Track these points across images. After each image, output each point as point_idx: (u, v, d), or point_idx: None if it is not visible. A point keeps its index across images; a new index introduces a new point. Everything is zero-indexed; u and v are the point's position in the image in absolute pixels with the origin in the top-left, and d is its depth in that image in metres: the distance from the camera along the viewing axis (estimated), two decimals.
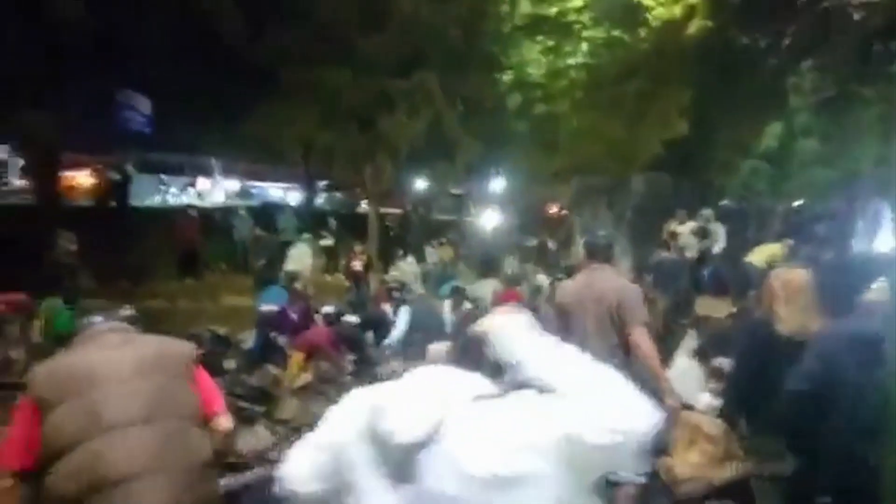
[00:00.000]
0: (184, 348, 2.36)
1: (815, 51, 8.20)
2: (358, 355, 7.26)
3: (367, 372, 7.22)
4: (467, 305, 6.99)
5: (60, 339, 5.91)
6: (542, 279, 9.54)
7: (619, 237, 11.64)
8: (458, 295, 6.00)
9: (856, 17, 6.97)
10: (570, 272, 6.97)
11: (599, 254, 3.59)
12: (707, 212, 8.42)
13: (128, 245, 11.10)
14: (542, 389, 1.35)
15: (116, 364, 2.07)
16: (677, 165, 13.43)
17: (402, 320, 6.39)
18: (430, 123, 12.10)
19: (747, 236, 12.41)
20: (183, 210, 13.95)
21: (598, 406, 1.26)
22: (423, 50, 12.38)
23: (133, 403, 2.01)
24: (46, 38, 8.99)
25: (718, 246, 8.58)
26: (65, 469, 1.88)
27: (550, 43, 14.20)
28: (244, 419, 4.93)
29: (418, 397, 1.37)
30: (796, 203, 18.87)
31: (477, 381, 1.44)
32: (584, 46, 14.04)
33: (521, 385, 1.38)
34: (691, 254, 8.54)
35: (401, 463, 1.32)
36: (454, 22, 11.95)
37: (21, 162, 16.11)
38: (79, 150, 14.67)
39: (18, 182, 16.84)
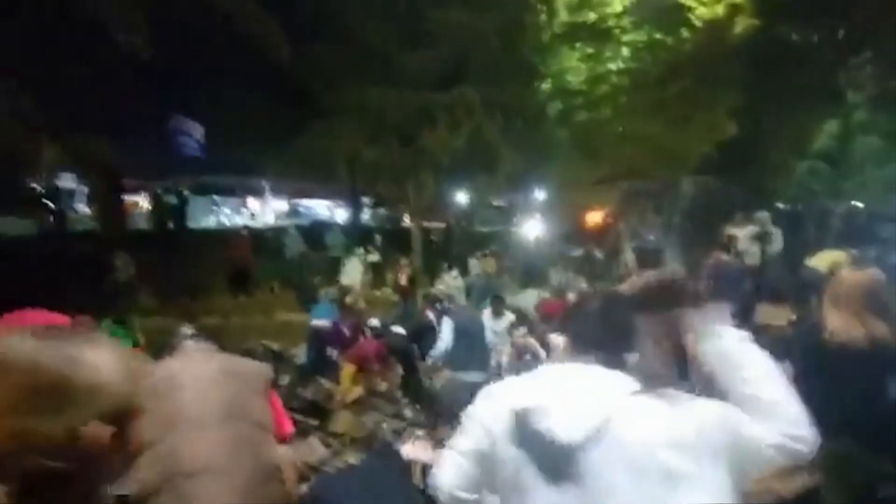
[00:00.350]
0: (262, 368, 2.59)
1: (872, 42, 7.80)
2: (407, 366, 7.31)
3: (415, 383, 7.26)
4: (510, 316, 6.90)
5: None
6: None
7: (668, 243, 11.35)
8: (499, 304, 5.97)
9: None
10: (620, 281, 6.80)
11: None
12: (763, 214, 8.05)
13: (184, 265, 11.57)
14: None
15: (200, 371, 2.32)
16: (728, 167, 13.01)
17: (445, 331, 6.39)
18: (471, 136, 12.16)
19: (806, 239, 11.84)
20: (236, 231, 14.49)
21: (780, 412, 1.33)
22: (462, 63, 12.52)
23: (211, 405, 2.22)
24: (106, 66, 9.49)
25: (775, 250, 8.20)
26: (147, 459, 2.05)
27: (590, 49, 14.10)
28: (299, 432, 5.02)
29: (578, 395, 1.35)
30: (855, 203, 17.97)
31: (622, 378, 1.40)
32: (625, 51, 13.87)
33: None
34: (751, 259, 8.18)
35: (561, 461, 1.30)
36: (493, 34, 12.03)
37: (86, 189, 17.12)
38: (137, 176, 15.46)
39: (84, 208, 17.89)
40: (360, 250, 12.77)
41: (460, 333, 6.13)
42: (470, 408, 1.52)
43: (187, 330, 2.69)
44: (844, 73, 9.23)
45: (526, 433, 1.34)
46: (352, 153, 12.92)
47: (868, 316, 2.64)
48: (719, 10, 13.46)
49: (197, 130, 21.10)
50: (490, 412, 1.45)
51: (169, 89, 12.73)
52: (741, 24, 13.27)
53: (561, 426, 1.30)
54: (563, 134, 14.88)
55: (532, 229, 18.35)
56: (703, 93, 12.34)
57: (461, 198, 19.96)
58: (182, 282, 11.25)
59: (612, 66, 13.50)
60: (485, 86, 12.52)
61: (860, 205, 17.94)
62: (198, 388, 2.22)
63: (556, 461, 1.31)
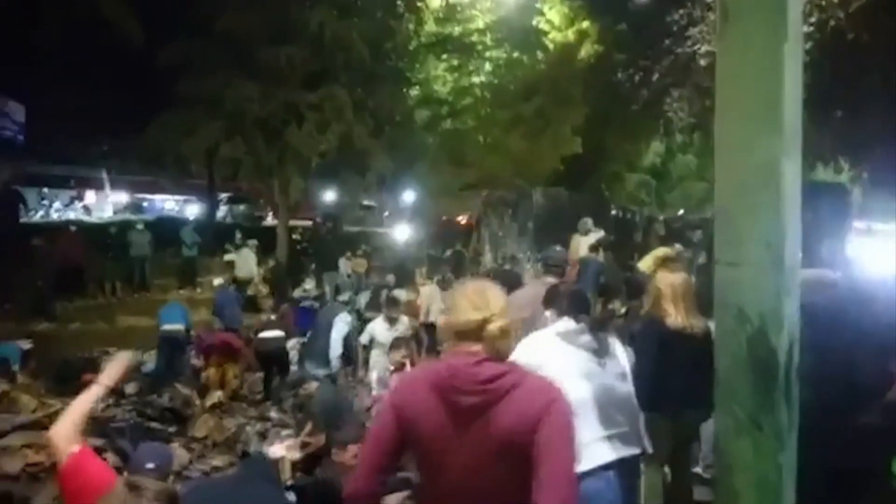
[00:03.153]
0: None
1: (680, 84, 9.46)
2: (279, 368, 7.24)
3: (284, 385, 7.21)
4: (405, 321, 6.63)
5: None
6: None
7: (524, 248, 12.38)
8: (393, 310, 5.85)
9: (702, 63, 8.18)
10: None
11: (554, 268, 4.01)
12: (588, 220, 9.17)
13: (10, 264, 10.17)
14: None
15: None
16: (574, 179, 14.50)
17: (338, 330, 6.19)
18: (341, 137, 12.18)
19: (635, 242, 13.57)
20: (64, 226, 12.96)
21: None
22: (330, 64, 12.47)
23: None
24: None
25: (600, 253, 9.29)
26: None
27: (455, 61, 14.91)
28: (158, 440, 4.82)
29: None
30: (679, 212, 20.93)
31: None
32: (487, 66, 14.90)
33: None
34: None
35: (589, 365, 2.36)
36: (359, 37, 12.12)
37: None
38: None
39: None
40: (255, 242, 12.11)
41: (316, 328, 6.24)
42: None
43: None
44: (662, 104, 10.85)
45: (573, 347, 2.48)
46: (209, 147, 12.24)
47: (690, 309, 3.27)
48: (570, 35, 14.98)
49: (17, 112, 18.50)
50: (538, 344, 2.46)
51: None
52: (586, 50, 14.90)
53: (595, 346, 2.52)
54: (431, 140, 15.50)
55: (401, 231, 18.72)
56: (554, 110, 13.65)
57: (329, 196, 19.75)
58: (6, 283, 9.89)
59: (476, 80, 14.42)
60: (354, 88, 12.61)
61: (680, 212, 20.90)
62: None
63: (587, 366, 2.48)
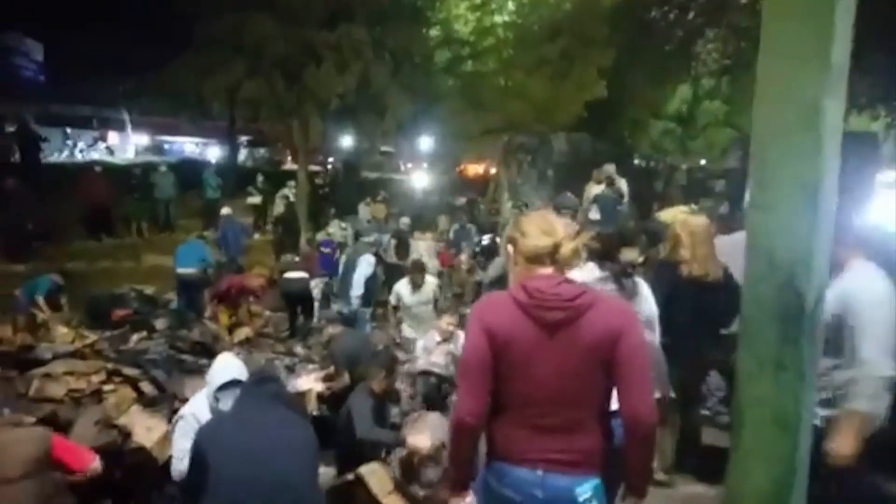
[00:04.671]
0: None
1: (715, 23, 9.02)
2: (304, 308, 7.47)
3: (306, 324, 7.44)
4: (432, 282, 6.68)
5: None
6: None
7: (542, 196, 12.25)
8: (417, 274, 5.91)
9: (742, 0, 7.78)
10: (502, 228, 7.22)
11: (566, 211, 3.97)
12: (610, 167, 8.95)
13: (36, 203, 10.40)
14: None
15: None
16: (596, 125, 14.13)
17: (361, 271, 6.32)
18: (359, 78, 11.95)
19: (655, 191, 13.37)
20: (89, 167, 13.12)
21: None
22: (349, 2, 12.10)
23: None
24: None
25: (624, 201, 9.14)
26: None
27: (477, 0, 14.34)
28: (188, 371, 5.06)
29: None
30: (701, 162, 20.44)
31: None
32: (511, 5, 14.30)
33: None
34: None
35: None
36: None
37: None
38: None
39: None
40: (287, 190, 12.53)
41: (345, 268, 6.40)
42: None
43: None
44: (695, 45, 10.41)
45: None
46: (230, 87, 12.12)
47: (710, 255, 3.26)
48: None
49: (36, 50, 18.38)
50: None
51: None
52: None
53: None
54: (451, 83, 15.13)
55: (419, 177, 18.62)
56: (578, 52, 13.15)
57: (348, 142, 19.61)
58: (34, 222, 10.14)
59: (498, 20, 13.88)
60: (372, 27, 12.27)
61: (703, 162, 20.42)
62: None
63: None
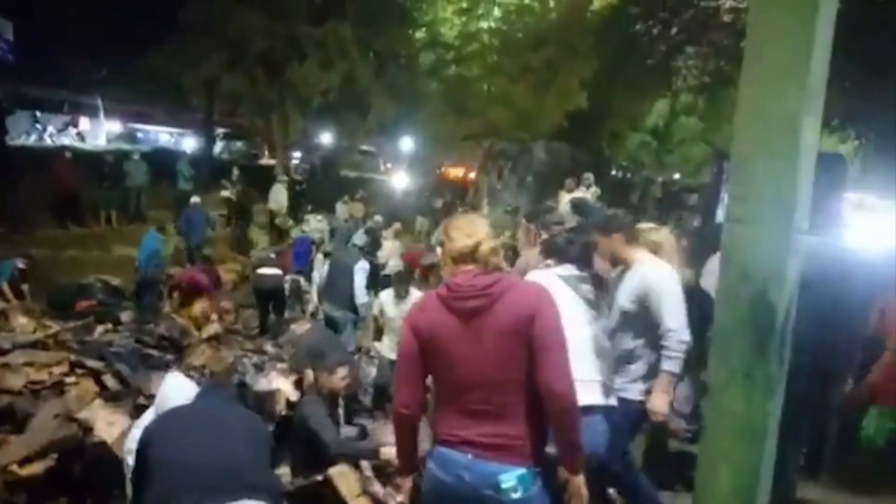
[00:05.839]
0: None
1: (696, 41, 9.25)
2: (276, 305, 7.35)
3: (277, 321, 7.33)
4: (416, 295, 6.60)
5: None
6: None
7: (521, 202, 12.34)
8: (401, 285, 5.83)
9: (725, 18, 8.00)
10: None
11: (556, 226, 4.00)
12: (589, 175, 9.15)
13: (1, 187, 10.04)
14: None
15: None
16: (576, 135, 14.31)
17: (360, 279, 6.31)
18: (344, 76, 11.89)
19: (631, 204, 13.60)
20: (59, 151, 12.72)
21: None
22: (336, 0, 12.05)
23: None
24: None
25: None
26: None
27: (464, 4, 14.41)
28: (154, 367, 4.92)
29: None
30: (675, 176, 20.88)
31: None
32: (497, 11, 14.41)
33: None
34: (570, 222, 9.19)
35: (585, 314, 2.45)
36: None
37: None
38: None
39: None
40: (286, 178, 12.57)
41: (331, 270, 6.30)
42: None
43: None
44: (676, 61, 10.63)
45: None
46: (209, 79, 11.92)
47: (682, 262, 3.38)
48: None
49: (4, 28, 17.77)
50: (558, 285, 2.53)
51: None
52: (599, 1, 14.41)
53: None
54: (434, 86, 15.16)
55: (399, 178, 18.54)
56: (562, 62, 13.31)
57: (328, 139, 19.45)
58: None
59: (484, 25, 13.96)
60: (359, 25, 12.23)
61: (677, 176, 20.86)
62: None
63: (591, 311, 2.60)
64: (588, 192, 8.77)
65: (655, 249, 3.39)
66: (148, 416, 2.78)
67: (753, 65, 1.69)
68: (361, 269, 6.13)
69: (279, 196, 12.36)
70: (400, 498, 3.03)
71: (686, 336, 2.58)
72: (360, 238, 6.94)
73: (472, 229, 1.84)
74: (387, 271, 7.94)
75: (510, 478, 1.69)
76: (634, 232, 2.92)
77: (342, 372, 3.65)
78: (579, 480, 1.78)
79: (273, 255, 8.06)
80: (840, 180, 7.61)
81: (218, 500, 1.80)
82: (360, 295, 6.05)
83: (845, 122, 8.34)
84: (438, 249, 1.75)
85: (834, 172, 7.25)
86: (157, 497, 1.84)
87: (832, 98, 1.78)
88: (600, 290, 2.74)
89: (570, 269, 2.63)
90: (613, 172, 17.64)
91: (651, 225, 3.78)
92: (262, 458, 2.02)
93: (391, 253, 8.50)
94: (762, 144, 1.68)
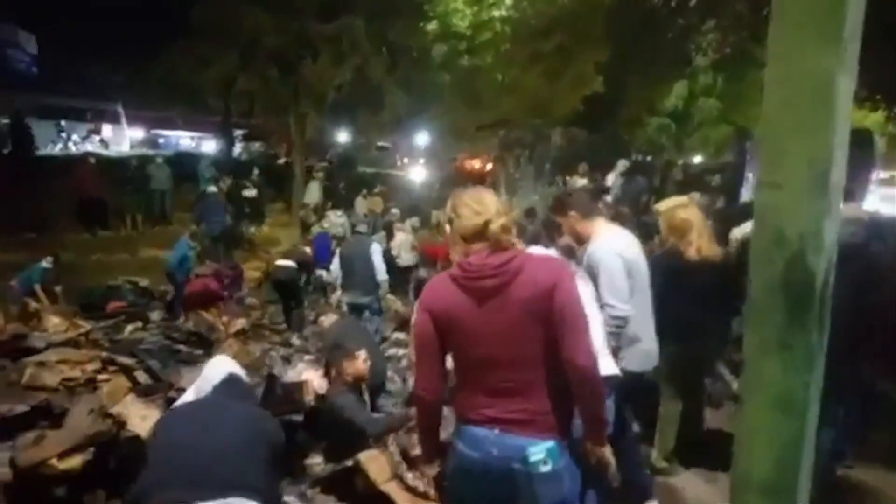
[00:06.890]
0: None
1: (717, 11, 8.99)
2: (293, 297, 7.43)
3: (299, 314, 7.40)
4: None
5: None
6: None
7: (540, 189, 12.26)
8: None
9: None
10: None
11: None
12: (623, 161, 9.01)
13: (28, 195, 10.30)
14: None
15: None
16: (593, 121, 14.13)
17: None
18: (356, 71, 11.89)
19: (652, 186, 13.38)
20: (83, 158, 13.03)
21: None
22: None
23: None
24: None
25: (612, 194, 9.19)
26: None
27: None
28: (184, 362, 5.01)
29: None
30: (696, 159, 20.48)
31: None
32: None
33: None
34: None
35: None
36: None
37: None
38: None
39: None
40: (321, 174, 12.64)
41: (345, 261, 6.33)
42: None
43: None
44: (694, 38, 10.39)
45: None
46: (224, 80, 12.03)
47: (711, 238, 3.30)
48: None
49: (28, 42, 18.20)
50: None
51: None
52: None
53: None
54: (447, 78, 15.08)
55: (416, 172, 18.56)
56: (575, 48, 13.12)
57: (344, 137, 19.54)
58: (27, 213, 10.04)
59: (496, 14, 13.82)
60: (370, 20, 12.20)
61: (698, 159, 20.47)
62: None
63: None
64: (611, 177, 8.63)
65: (685, 228, 3.32)
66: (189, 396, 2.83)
67: (782, 18, 1.62)
68: (377, 251, 6.22)
69: (314, 194, 12.45)
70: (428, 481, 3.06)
71: (621, 311, 2.61)
72: (362, 225, 6.99)
73: (480, 205, 1.78)
74: (400, 263, 8.10)
75: (539, 450, 1.69)
76: (590, 208, 2.92)
77: (362, 355, 3.70)
78: (606, 452, 1.79)
79: (306, 249, 8.22)
80: (867, 158, 7.39)
81: (197, 496, 1.81)
82: (381, 272, 6.12)
83: (875, 91, 8.03)
84: (447, 227, 1.70)
85: (861, 149, 7.04)
86: (142, 489, 1.87)
87: (862, 67, 1.69)
88: (572, 259, 2.83)
89: (539, 250, 2.62)
90: (633, 157, 17.41)
91: (681, 200, 3.70)
92: (257, 456, 2.01)
93: (402, 245, 8.64)
94: (792, 106, 1.61)
